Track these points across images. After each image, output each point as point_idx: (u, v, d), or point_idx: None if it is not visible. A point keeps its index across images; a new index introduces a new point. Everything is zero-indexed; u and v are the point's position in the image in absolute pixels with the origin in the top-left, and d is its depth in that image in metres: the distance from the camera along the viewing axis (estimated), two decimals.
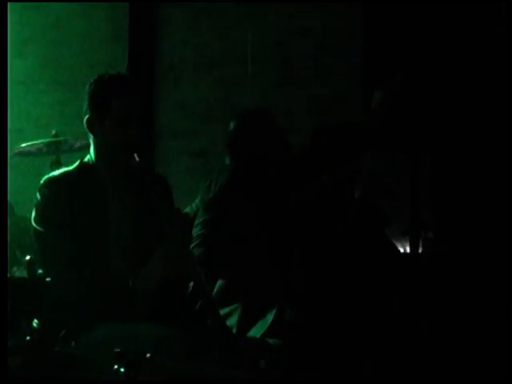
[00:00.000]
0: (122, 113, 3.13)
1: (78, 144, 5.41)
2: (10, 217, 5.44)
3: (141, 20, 6.68)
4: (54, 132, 5.45)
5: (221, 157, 4.09)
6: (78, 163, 3.23)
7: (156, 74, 6.60)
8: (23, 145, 5.51)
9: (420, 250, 4.45)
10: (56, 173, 3.19)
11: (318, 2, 6.26)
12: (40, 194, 3.13)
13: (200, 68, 6.59)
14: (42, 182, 3.15)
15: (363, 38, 6.04)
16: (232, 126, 3.97)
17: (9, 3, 6.42)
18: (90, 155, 3.23)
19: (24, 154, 5.59)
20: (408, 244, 5.26)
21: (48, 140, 5.43)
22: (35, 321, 3.34)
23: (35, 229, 3.12)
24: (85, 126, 3.19)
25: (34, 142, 5.51)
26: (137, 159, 3.12)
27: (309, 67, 6.34)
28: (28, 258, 4.72)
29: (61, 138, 5.47)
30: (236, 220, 3.73)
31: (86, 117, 3.17)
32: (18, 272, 4.68)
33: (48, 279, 3.14)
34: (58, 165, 5.09)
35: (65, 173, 3.19)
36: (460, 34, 5.17)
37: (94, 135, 3.19)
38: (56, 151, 5.38)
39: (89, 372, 2.75)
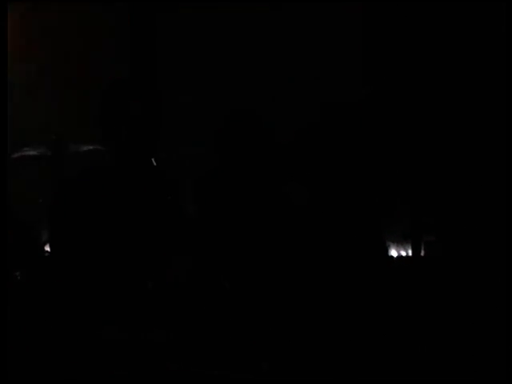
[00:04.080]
0: (139, 116, 3.13)
1: (82, 148, 5.41)
2: (9, 221, 5.44)
3: (142, 21, 6.69)
4: (57, 136, 5.46)
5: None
6: (93, 166, 3.24)
7: (158, 77, 6.61)
8: (25, 148, 5.52)
9: (422, 253, 4.47)
10: (71, 176, 3.21)
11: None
12: (53, 197, 3.15)
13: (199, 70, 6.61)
14: (57, 184, 3.17)
15: None
16: (220, 124, 3.99)
17: (10, 5, 6.53)
18: (104, 160, 3.23)
19: (26, 157, 5.59)
20: (410, 247, 5.29)
21: (52, 144, 5.44)
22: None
23: (50, 231, 3.14)
24: (99, 129, 3.19)
25: (36, 146, 5.52)
26: (154, 163, 3.14)
27: None
28: (31, 262, 4.73)
29: (65, 142, 5.47)
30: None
31: (100, 121, 3.18)
32: (21, 277, 4.68)
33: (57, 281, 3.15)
34: (60, 169, 5.10)
35: (80, 176, 3.20)
36: None
37: (108, 139, 3.19)
38: (60, 155, 5.38)
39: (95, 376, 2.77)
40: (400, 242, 5.33)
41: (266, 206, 3.91)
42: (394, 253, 5.15)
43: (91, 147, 5.22)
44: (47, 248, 5.09)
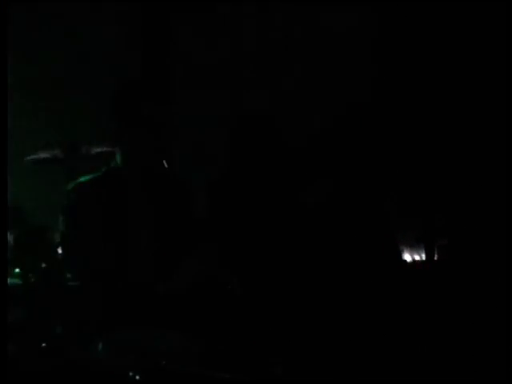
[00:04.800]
0: (151, 119, 3.13)
1: (94, 151, 5.41)
2: (22, 224, 5.46)
3: (154, 24, 6.70)
4: (70, 139, 5.46)
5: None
6: (105, 169, 3.24)
7: (170, 79, 6.62)
8: (39, 152, 5.52)
9: (435, 257, 4.45)
10: (84, 178, 3.21)
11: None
12: (68, 199, 3.16)
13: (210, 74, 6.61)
14: (70, 187, 3.17)
15: None
16: (233, 128, 3.99)
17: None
18: (117, 161, 3.23)
19: (39, 161, 5.60)
20: (423, 251, 5.26)
21: (64, 147, 5.44)
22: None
23: (62, 232, 3.15)
24: (110, 132, 3.19)
25: (50, 149, 5.52)
26: (165, 165, 3.14)
27: None
28: (43, 265, 4.73)
29: (78, 144, 5.47)
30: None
31: (113, 123, 3.18)
32: (33, 279, 4.68)
33: (69, 284, 3.15)
34: (74, 172, 5.09)
35: (92, 178, 3.21)
36: None
37: (121, 141, 3.19)
38: (71, 158, 5.38)
39: (103, 379, 2.76)
40: (413, 246, 5.31)
41: (278, 210, 3.90)
42: (407, 257, 5.13)
43: (104, 149, 5.22)
44: (60, 250, 5.10)
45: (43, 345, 3.95)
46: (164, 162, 3.16)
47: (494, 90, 5.02)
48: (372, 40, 6.03)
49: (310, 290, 3.78)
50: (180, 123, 6.50)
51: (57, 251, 5.16)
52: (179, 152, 6.35)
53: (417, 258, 5.27)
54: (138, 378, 2.61)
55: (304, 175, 4.06)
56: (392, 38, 5.87)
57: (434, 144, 5.74)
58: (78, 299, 3.10)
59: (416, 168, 5.79)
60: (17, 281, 4.57)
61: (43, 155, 5.53)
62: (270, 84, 6.36)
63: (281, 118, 4.18)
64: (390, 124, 5.87)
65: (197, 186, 3.48)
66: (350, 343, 3.68)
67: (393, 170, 4.83)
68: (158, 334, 2.91)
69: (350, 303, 3.81)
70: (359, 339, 3.71)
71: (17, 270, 4.69)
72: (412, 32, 5.85)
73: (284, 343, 3.26)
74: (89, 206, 3.12)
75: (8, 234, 5.23)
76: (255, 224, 3.85)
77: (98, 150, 5.36)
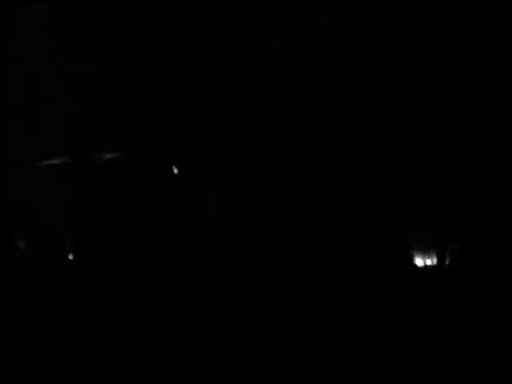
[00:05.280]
0: (159, 125, 3.15)
1: (104, 157, 5.42)
2: (34, 230, 5.47)
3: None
4: (81, 145, 5.47)
5: None
6: (113, 174, 3.26)
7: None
8: (50, 158, 5.54)
9: (447, 262, 4.43)
10: (92, 182, 3.23)
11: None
12: (77, 205, 3.17)
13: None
14: (76, 190, 3.19)
15: None
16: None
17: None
18: (126, 167, 3.25)
19: (50, 167, 5.62)
20: (434, 255, 5.25)
21: (75, 153, 5.45)
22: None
23: (73, 239, 3.17)
24: (120, 138, 3.21)
25: (60, 156, 5.54)
26: (175, 171, 3.16)
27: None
28: (55, 270, 4.75)
29: (88, 151, 5.48)
30: None
31: (122, 129, 3.20)
32: (44, 284, 4.71)
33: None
34: (84, 177, 5.11)
35: (101, 183, 3.22)
36: None
37: (129, 147, 3.21)
38: (82, 165, 5.39)
39: None
40: (425, 251, 5.29)
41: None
42: (418, 261, 5.11)
43: (113, 155, 5.24)
44: (70, 256, 5.11)
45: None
46: (174, 167, 3.17)
47: (497, 96, 5.01)
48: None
49: (318, 293, 3.78)
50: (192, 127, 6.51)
51: (68, 257, 5.18)
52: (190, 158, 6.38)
53: (428, 262, 5.26)
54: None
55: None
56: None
57: (444, 148, 5.73)
58: (88, 301, 3.12)
59: (427, 172, 5.78)
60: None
61: (54, 162, 5.55)
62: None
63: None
64: (401, 132, 5.87)
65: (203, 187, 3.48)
66: (360, 348, 3.67)
67: (403, 174, 4.82)
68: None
69: (361, 307, 3.81)
70: (370, 343, 3.70)
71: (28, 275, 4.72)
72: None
73: (289, 346, 3.26)
74: (96, 212, 3.14)
75: (20, 240, 5.25)
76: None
77: (109, 156, 5.38)
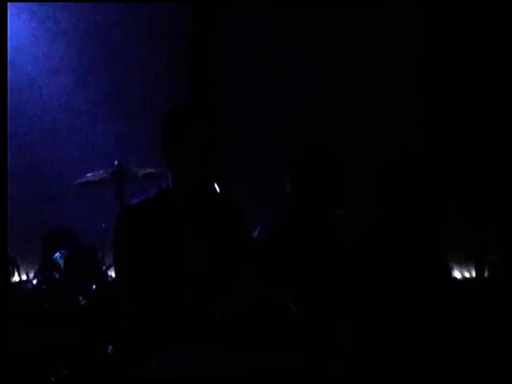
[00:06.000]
0: (201, 141, 3.16)
1: (141, 173, 5.45)
2: (72, 246, 5.52)
3: (202, 49, 6.75)
4: (117, 161, 5.51)
5: (281, 184, 4.08)
6: (155, 191, 3.26)
7: (218, 102, 6.65)
8: (88, 174, 5.58)
9: (486, 274, 4.40)
10: (134, 201, 3.24)
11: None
12: (119, 222, 3.18)
13: (261, 95, 6.63)
14: (121, 209, 3.21)
15: None
16: (296, 152, 3.96)
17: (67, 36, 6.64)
18: (168, 183, 3.26)
19: (88, 183, 5.65)
20: (473, 267, 5.22)
21: (111, 169, 5.49)
22: (110, 347, 3.39)
23: (115, 255, 3.17)
24: (162, 154, 3.22)
25: (98, 172, 5.57)
26: (216, 188, 3.16)
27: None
28: (94, 287, 4.78)
29: (124, 167, 5.51)
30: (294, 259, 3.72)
31: (164, 145, 3.21)
32: (85, 301, 4.73)
33: (124, 306, 3.16)
34: (121, 194, 5.14)
35: (143, 201, 3.23)
36: None
37: (171, 163, 3.22)
38: (119, 180, 5.43)
39: None
40: (463, 263, 5.27)
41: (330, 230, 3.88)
42: (457, 274, 5.09)
43: (152, 170, 5.26)
44: (111, 272, 5.14)
45: (96, 364, 4.00)
46: (215, 183, 3.18)
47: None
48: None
49: (361, 307, 3.76)
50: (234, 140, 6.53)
51: (108, 273, 5.21)
52: (233, 171, 6.41)
53: (467, 275, 5.24)
54: None
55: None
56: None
57: (482, 159, 5.70)
58: (132, 321, 3.11)
59: (466, 184, 5.75)
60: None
61: (92, 178, 5.58)
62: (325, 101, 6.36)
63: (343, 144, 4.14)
64: (441, 146, 5.86)
65: (253, 205, 3.47)
66: (402, 364, 3.66)
67: (443, 186, 4.81)
68: (212, 355, 2.91)
69: (401, 320, 3.79)
70: (412, 358, 3.68)
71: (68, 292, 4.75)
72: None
73: (338, 363, 3.25)
74: (141, 229, 3.14)
75: (59, 256, 5.29)
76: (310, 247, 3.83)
77: (146, 171, 5.40)
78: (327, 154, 3.85)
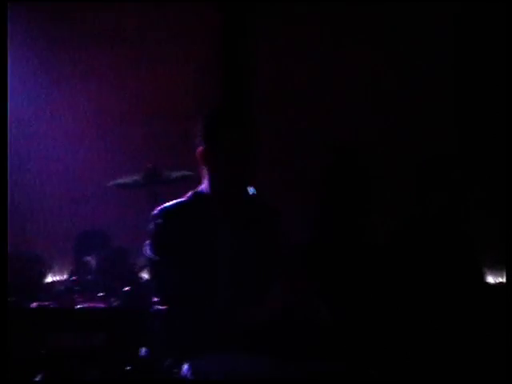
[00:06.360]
0: (236, 144, 3.16)
1: (173, 175, 5.47)
2: (105, 248, 5.55)
3: (234, 54, 6.77)
4: (150, 164, 5.53)
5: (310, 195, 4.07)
6: (191, 194, 3.27)
7: (251, 105, 6.66)
8: (120, 178, 5.61)
9: None
10: (170, 203, 3.24)
11: None
12: (154, 224, 3.18)
13: (292, 99, 6.64)
14: (156, 211, 3.21)
15: None
16: (324, 166, 3.96)
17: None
18: (203, 186, 3.26)
19: (121, 186, 5.68)
20: (505, 273, 5.17)
21: (144, 172, 5.52)
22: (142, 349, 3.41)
23: (150, 258, 3.18)
24: (198, 157, 3.22)
25: (131, 175, 5.60)
26: (253, 191, 3.16)
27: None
28: (127, 288, 4.80)
29: (159, 169, 5.53)
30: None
31: (200, 148, 3.21)
32: (117, 303, 4.75)
33: (156, 308, 3.17)
34: (154, 197, 5.16)
35: (178, 203, 3.23)
36: None
37: (207, 167, 3.22)
38: (152, 183, 5.45)
39: None
40: (497, 268, 5.22)
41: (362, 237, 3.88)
42: (490, 279, 5.05)
43: (183, 173, 5.28)
44: (144, 274, 5.16)
45: (127, 368, 4.01)
46: (250, 188, 3.18)
47: None
48: None
49: (394, 313, 3.75)
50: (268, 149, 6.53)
51: (140, 275, 5.23)
52: (270, 177, 6.41)
53: (500, 280, 5.19)
54: None
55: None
56: None
57: None
58: (165, 324, 3.12)
59: (497, 188, 5.71)
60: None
61: (125, 180, 5.61)
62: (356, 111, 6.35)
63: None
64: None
65: (286, 211, 3.46)
66: (436, 371, 3.65)
67: (475, 190, 4.77)
68: (245, 359, 2.91)
69: (434, 326, 3.78)
70: (446, 364, 3.67)
71: (100, 294, 4.77)
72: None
73: (375, 370, 3.24)
74: (176, 231, 3.15)
75: (91, 257, 5.32)
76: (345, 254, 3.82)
77: (178, 174, 5.42)
78: (353, 166, 3.84)
